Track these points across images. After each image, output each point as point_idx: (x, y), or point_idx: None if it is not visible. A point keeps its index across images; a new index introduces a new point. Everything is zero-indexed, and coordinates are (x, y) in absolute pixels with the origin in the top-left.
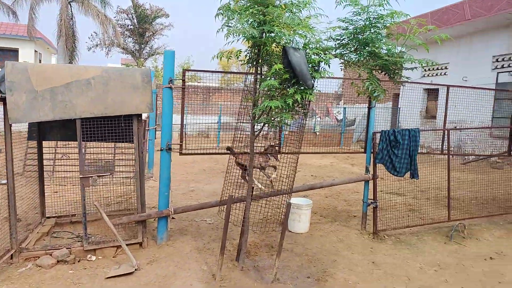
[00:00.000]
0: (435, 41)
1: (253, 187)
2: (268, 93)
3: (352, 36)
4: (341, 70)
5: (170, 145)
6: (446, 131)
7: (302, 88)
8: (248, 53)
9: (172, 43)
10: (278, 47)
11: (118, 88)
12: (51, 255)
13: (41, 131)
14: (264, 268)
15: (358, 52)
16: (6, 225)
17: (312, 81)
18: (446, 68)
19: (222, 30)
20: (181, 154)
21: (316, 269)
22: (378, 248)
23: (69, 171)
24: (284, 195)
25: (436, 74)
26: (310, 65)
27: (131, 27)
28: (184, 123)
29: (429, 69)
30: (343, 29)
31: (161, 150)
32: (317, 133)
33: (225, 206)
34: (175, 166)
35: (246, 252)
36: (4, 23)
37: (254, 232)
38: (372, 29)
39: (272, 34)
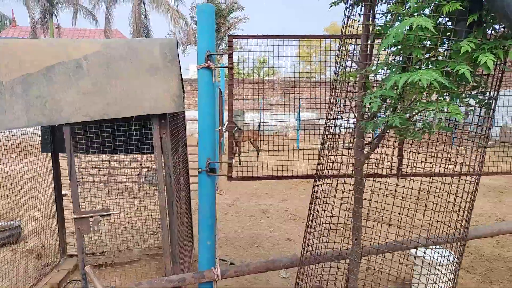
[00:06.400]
0: None
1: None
2: (399, 57)
3: None
4: None
5: (212, 165)
6: None
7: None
8: None
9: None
10: None
11: (126, 72)
12: None
13: (56, 142)
14: None
15: None
16: None
17: None
18: None
19: None
20: (230, 179)
21: None
22: None
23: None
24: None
25: None
26: None
27: None
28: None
29: None
30: None
31: (198, 172)
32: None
33: (305, 274)
34: None
35: None
36: (87, 29)
37: None
38: None
39: None
